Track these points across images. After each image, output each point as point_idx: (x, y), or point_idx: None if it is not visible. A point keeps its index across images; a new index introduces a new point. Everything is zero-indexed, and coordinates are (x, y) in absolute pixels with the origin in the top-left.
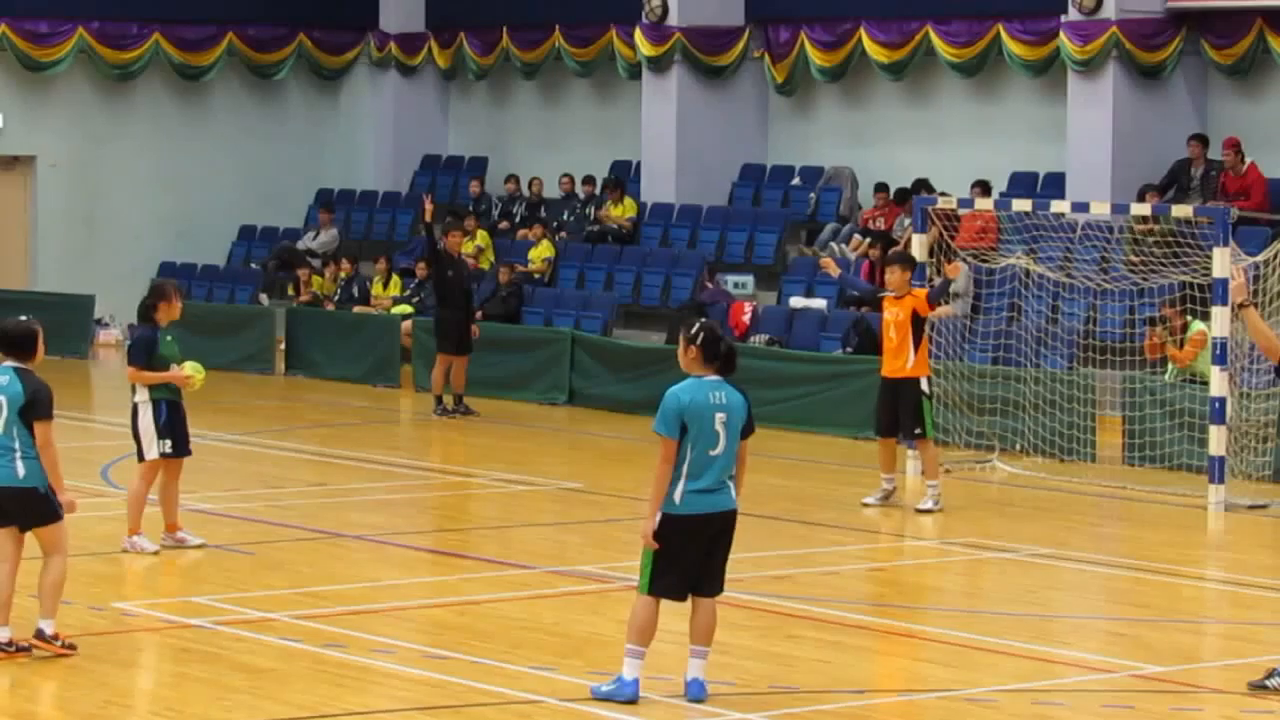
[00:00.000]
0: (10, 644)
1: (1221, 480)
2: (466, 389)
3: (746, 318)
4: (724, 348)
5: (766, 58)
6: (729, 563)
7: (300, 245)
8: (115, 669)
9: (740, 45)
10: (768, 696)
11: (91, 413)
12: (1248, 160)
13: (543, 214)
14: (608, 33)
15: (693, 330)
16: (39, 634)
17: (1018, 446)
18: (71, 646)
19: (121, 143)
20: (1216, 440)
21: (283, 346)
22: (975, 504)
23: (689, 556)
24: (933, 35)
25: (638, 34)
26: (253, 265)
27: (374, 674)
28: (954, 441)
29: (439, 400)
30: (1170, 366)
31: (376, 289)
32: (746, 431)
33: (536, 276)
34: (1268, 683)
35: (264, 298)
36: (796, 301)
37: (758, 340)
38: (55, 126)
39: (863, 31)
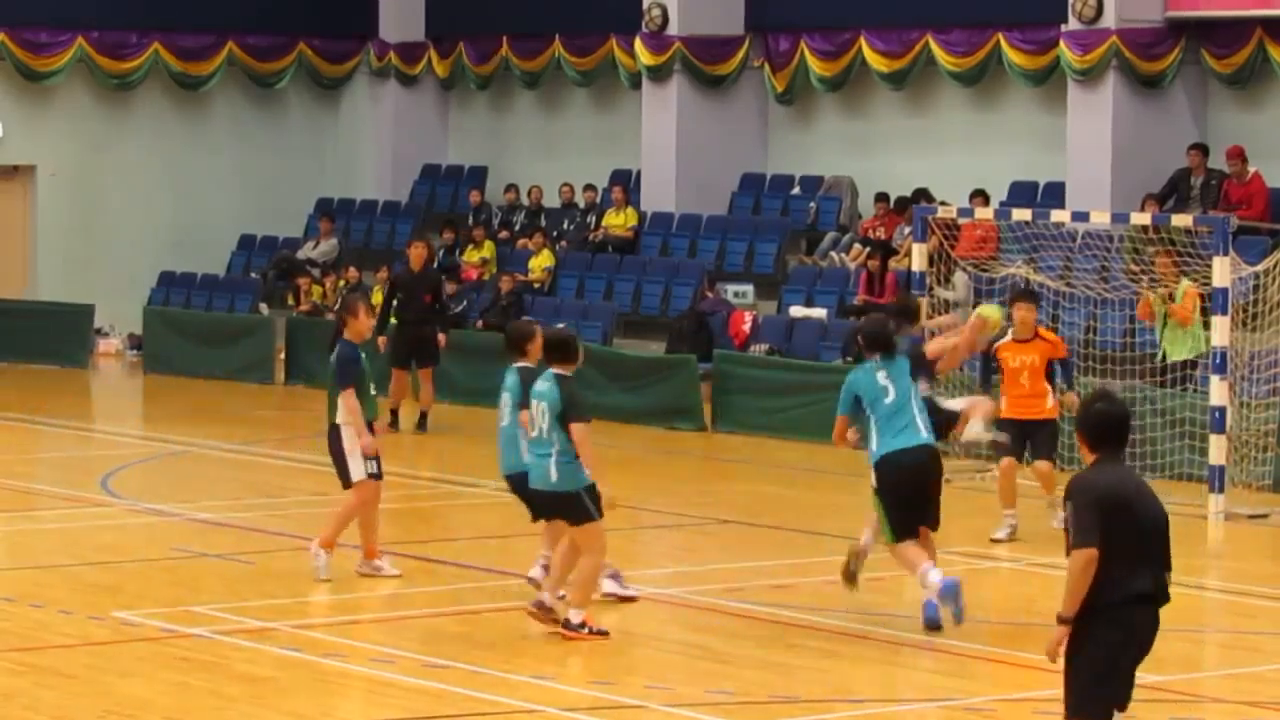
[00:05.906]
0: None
1: (1222, 490)
2: (436, 401)
3: (746, 327)
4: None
5: (766, 67)
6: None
7: (300, 254)
8: (115, 678)
9: (740, 54)
10: (767, 706)
11: (92, 422)
12: (1252, 169)
13: (542, 223)
14: (608, 42)
15: None
16: (566, 623)
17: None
18: (603, 632)
19: (121, 152)
20: (1217, 450)
21: (283, 356)
22: (976, 512)
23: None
24: (933, 44)
25: (638, 43)
26: (252, 274)
27: (374, 683)
28: (954, 451)
29: (393, 413)
30: (1164, 329)
31: (376, 298)
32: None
33: (536, 286)
34: None
35: (264, 307)
36: (796, 311)
37: (758, 349)
38: (55, 136)
39: (863, 41)
